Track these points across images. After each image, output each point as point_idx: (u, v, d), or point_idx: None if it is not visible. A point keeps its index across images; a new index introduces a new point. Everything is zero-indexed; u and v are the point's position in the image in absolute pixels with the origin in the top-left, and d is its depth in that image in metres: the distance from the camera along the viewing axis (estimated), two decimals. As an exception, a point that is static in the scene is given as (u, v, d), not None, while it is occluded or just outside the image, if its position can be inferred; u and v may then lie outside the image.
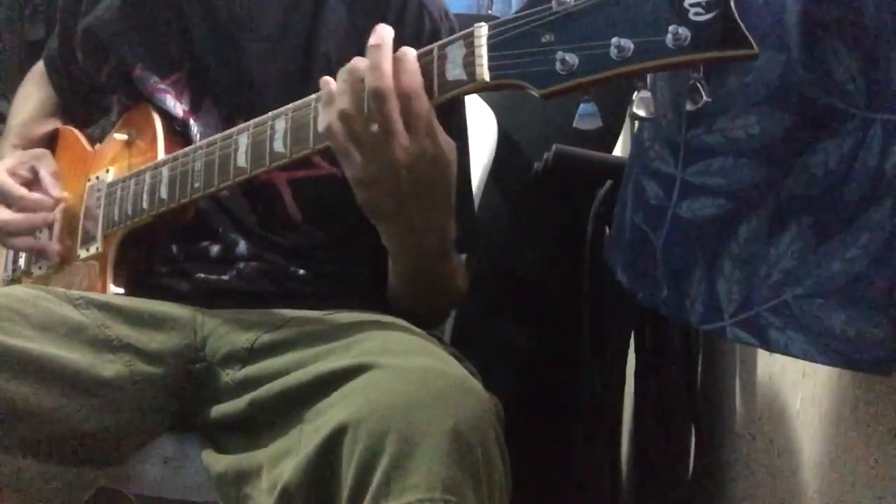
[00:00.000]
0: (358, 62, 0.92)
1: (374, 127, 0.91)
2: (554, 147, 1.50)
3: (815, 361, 0.83)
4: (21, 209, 1.22)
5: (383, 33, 0.91)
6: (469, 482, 0.81)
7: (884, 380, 0.86)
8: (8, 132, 1.38)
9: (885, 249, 0.77)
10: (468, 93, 0.89)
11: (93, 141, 1.32)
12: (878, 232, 0.77)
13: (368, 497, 0.80)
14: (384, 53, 0.90)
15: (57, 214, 1.23)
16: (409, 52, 0.90)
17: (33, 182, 1.25)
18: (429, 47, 0.91)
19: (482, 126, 1.49)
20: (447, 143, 0.94)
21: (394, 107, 0.89)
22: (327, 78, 0.95)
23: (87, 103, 1.36)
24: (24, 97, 1.40)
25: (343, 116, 0.92)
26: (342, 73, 0.93)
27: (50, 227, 1.24)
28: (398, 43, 0.92)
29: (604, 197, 1.46)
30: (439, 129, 0.93)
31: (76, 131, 1.34)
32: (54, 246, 1.23)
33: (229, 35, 1.19)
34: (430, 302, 1.13)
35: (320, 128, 0.95)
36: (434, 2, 1.20)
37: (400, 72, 0.89)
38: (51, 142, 1.36)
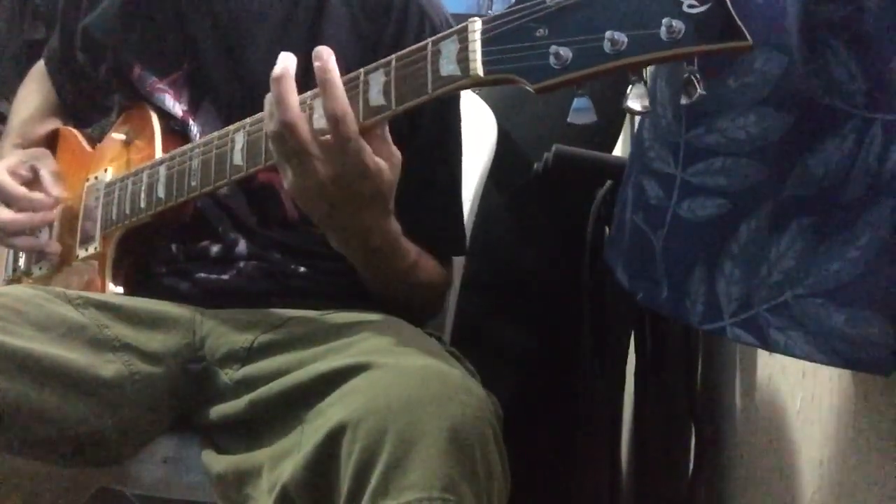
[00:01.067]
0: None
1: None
2: (554, 147, 1.50)
3: (815, 361, 0.83)
4: (21, 209, 1.22)
5: (286, 63, 0.93)
6: (467, 481, 0.81)
7: (884, 380, 0.86)
8: (8, 132, 1.38)
9: (885, 249, 0.77)
10: (462, 88, 0.89)
11: (92, 141, 1.32)
12: (879, 232, 0.77)
13: (367, 496, 0.80)
14: (285, 86, 0.92)
15: (56, 214, 1.24)
16: (334, 78, 0.91)
17: (33, 181, 1.25)
18: (422, 43, 0.90)
19: (482, 126, 1.49)
20: (388, 155, 0.95)
21: (302, 134, 0.92)
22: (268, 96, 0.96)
23: (87, 103, 1.36)
24: (25, 97, 1.40)
25: (271, 137, 0.95)
26: (266, 100, 0.95)
27: (50, 226, 1.24)
28: (399, 46, 0.92)
29: (604, 197, 1.45)
30: (380, 143, 0.94)
31: (76, 131, 1.34)
32: (55, 245, 1.23)
33: (230, 36, 1.19)
34: (402, 296, 1.14)
35: None
36: (435, 8, 1.20)
37: (326, 96, 0.91)
38: (51, 142, 1.36)
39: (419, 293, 1.17)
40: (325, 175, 0.93)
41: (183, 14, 1.21)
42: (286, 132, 0.92)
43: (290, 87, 0.93)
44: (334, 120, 0.91)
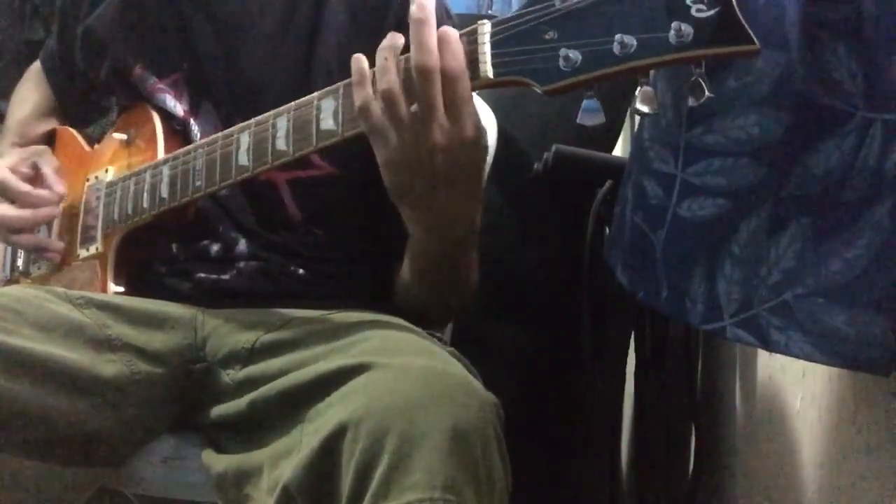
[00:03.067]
0: (397, 39, 0.90)
1: (415, 107, 0.88)
2: (554, 147, 1.51)
3: (815, 361, 0.83)
4: (24, 205, 1.21)
5: (427, 5, 0.87)
6: (468, 482, 0.81)
7: (883, 380, 0.86)
8: (6, 131, 1.38)
9: (885, 249, 0.77)
10: (472, 90, 0.89)
11: (91, 141, 1.32)
12: (878, 232, 0.77)
13: (368, 497, 0.80)
14: (429, 29, 0.87)
15: (58, 212, 1.23)
16: (453, 33, 0.87)
17: (35, 178, 1.25)
18: None
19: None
20: (483, 128, 0.92)
21: (438, 86, 0.87)
22: (359, 55, 0.92)
23: (85, 103, 1.36)
24: (22, 97, 1.40)
25: (385, 95, 0.88)
26: (383, 50, 0.90)
27: (49, 226, 1.24)
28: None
29: (604, 197, 1.46)
30: (476, 114, 0.91)
31: (73, 131, 1.34)
32: (57, 243, 1.22)
33: (229, 36, 1.19)
34: (445, 295, 1.11)
35: (355, 108, 0.91)
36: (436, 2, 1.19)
37: (445, 52, 0.86)
38: (49, 141, 1.35)
39: (460, 294, 1.12)
40: (438, 142, 0.88)
41: (182, 14, 1.21)
42: (420, 82, 0.86)
43: (433, 29, 0.86)
44: (452, 78, 0.86)
